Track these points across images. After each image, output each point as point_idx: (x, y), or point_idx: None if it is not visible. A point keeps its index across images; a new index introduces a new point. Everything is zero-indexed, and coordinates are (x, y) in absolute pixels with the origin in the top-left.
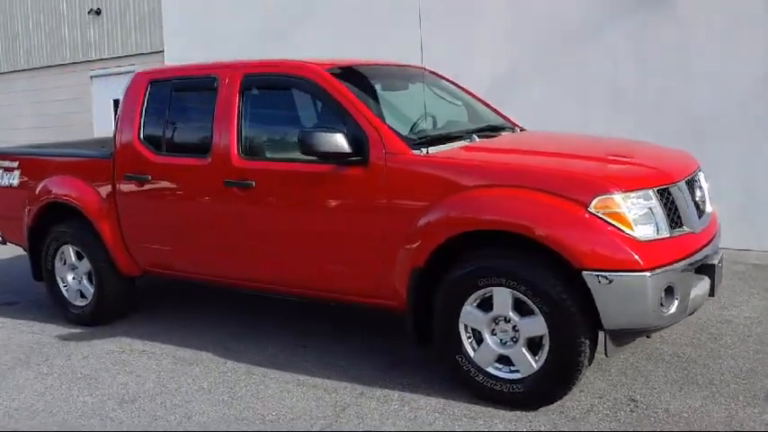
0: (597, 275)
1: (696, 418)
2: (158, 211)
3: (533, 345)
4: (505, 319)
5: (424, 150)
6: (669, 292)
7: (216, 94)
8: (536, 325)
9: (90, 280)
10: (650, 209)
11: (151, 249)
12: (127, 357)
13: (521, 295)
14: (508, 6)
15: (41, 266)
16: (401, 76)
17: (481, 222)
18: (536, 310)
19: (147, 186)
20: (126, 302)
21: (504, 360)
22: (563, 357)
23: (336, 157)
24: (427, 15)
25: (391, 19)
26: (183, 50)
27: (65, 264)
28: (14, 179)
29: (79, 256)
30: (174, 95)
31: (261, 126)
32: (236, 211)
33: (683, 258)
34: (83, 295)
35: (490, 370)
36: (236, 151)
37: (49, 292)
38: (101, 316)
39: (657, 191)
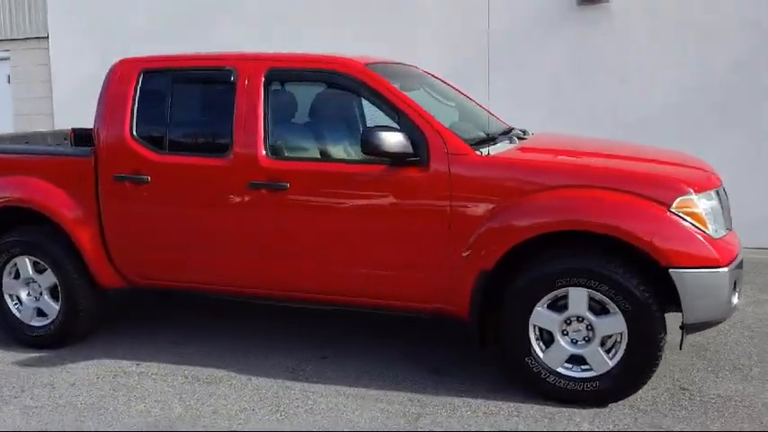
0: (684, 273)
1: (747, 400)
2: (160, 217)
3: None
4: (578, 318)
5: (485, 151)
6: (734, 286)
7: (234, 88)
8: (614, 324)
9: (53, 296)
10: (712, 209)
11: (146, 259)
12: (127, 381)
13: (599, 295)
14: (451, 11)
15: None
16: (410, 75)
17: (567, 223)
18: (614, 309)
19: (145, 189)
20: (98, 319)
21: (573, 359)
22: (641, 354)
23: (397, 158)
24: (370, 13)
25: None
26: (74, 38)
27: (17, 278)
28: None
29: (39, 269)
30: (176, 87)
31: (293, 124)
32: (265, 214)
33: (738, 254)
34: (41, 313)
35: (560, 370)
36: (263, 151)
37: None
38: (67, 336)
39: (716, 192)
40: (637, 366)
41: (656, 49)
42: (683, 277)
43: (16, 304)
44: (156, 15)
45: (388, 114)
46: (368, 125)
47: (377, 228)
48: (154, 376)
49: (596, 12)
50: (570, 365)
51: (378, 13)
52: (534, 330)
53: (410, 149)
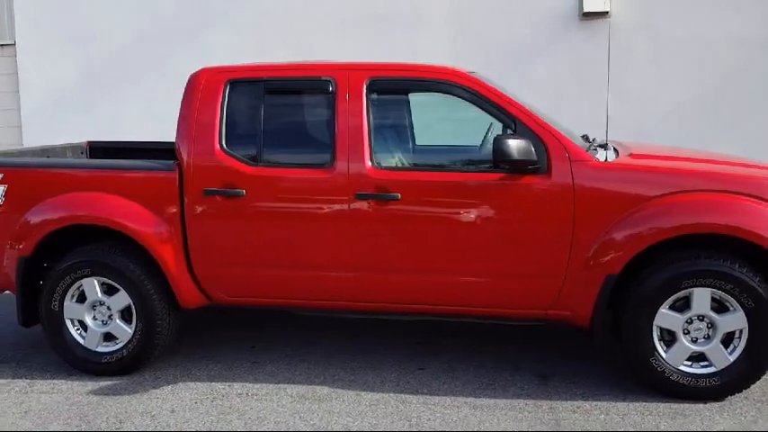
0: None
1: None
2: (257, 231)
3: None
4: (699, 317)
5: (602, 157)
6: None
7: (333, 98)
8: (736, 321)
9: (124, 318)
10: None
11: (236, 275)
12: (230, 403)
13: (720, 293)
14: (454, 22)
15: (37, 309)
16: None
17: (693, 226)
18: (735, 306)
19: (240, 203)
20: (174, 340)
21: (693, 357)
22: (761, 348)
23: (520, 166)
24: (371, 24)
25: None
26: (45, 45)
27: (81, 302)
28: None
29: (108, 291)
30: (268, 98)
31: (399, 133)
32: (373, 226)
33: None
34: (109, 338)
35: (682, 368)
36: (369, 161)
37: (50, 339)
38: (142, 361)
39: None
40: (756, 360)
41: (653, 60)
42: None
43: (78, 330)
44: (133, 23)
45: (503, 122)
46: (496, 134)
47: (496, 237)
48: (256, 397)
49: (597, 25)
50: (690, 363)
51: (378, 22)
52: (657, 331)
53: (534, 157)
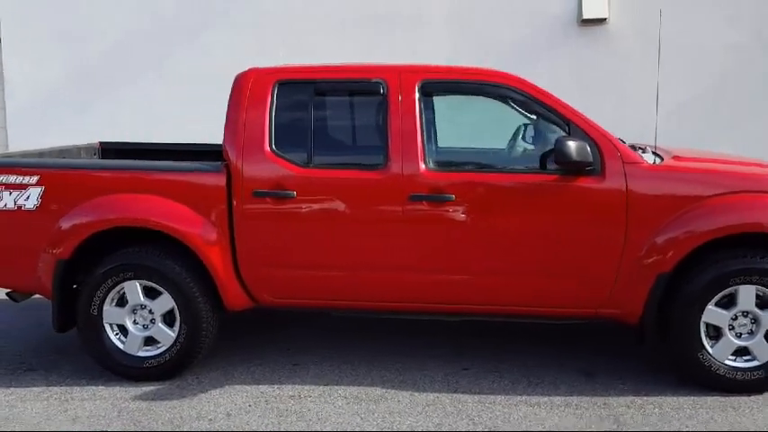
0: None
1: None
2: (307, 233)
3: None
4: (744, 313)
5: (650, 160)
6: None
7: (385, 100)
8: None
9: (166, 322)
10: None
11: (284, 277)
12: (285, 406)
13: (765, 290)
14: (455, 25)
15: (70, 313)
16: None
17: (743, 226)
18: None
19: (290, 204)
20: (215, 343)
21: (736, 351)
22: None
23: (577, 167)
24: (371, 24)
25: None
26: (32, 43)
27: (121, 305)
28: (28, 199)
29: (151, 294)
30: (318, 99)
31: (451, 135)
32: (427, 226)
33: None
34: (149, 342)
35: (727, 362)
36: (423, 163)
37: (88, 344)
38: (185, 365)
39: None
40: None
41: (650, 66)
42: None
43: (118, 334)
44: (129, 21)
45: (556, 124)
46: (558, 136)
47: (549, 237)
48: (309, 399)
49: (596, 31)
50: (734, 357)
51: (378, 22)
52: (703, 327)
53: (590, 158)
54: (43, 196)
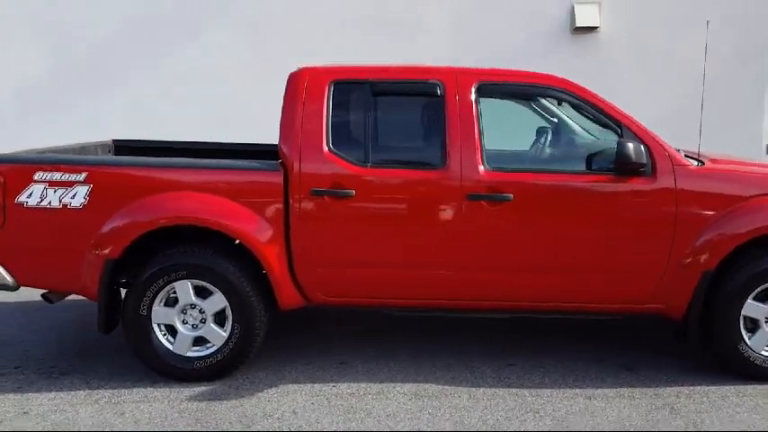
0: None
1: None
2: (364, 231)
3: None
4: None
5: (695, 163)
6: None
7: (442, 101)
8: None
9: (217, 322)
10: None
11: (339, 275)
12: (348, 403)
13: None
14: (451, 30)
15: (119, 314)
16: None
17: None
18: None
19: (348, 203)
20: (263, 343)
21: None
22: None
23: (635, 168)
24: (371, 25)
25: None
26: (11, 38)
27: (170, 305)
28: (75, 197)
29: (201, 293)
30: (374, 99)
31: (506, 136)
32: (485, 225)
33: None
34: (198, 343)
35: (764, 353)
36: (481, 163)
37: (136, 345)
38: (236, 364)
39: None
40: None
41: (639, 72)
42: None
43: (165, 335)
44: (118, 17)
45: (608, 127)
46: (619, 139)
47: (603, 236)
48: (370, 396)
49: (587, 39)
50: None
51: (379, 24)
52: (743, 320)
53: (645, 160)
54: (91, 194)
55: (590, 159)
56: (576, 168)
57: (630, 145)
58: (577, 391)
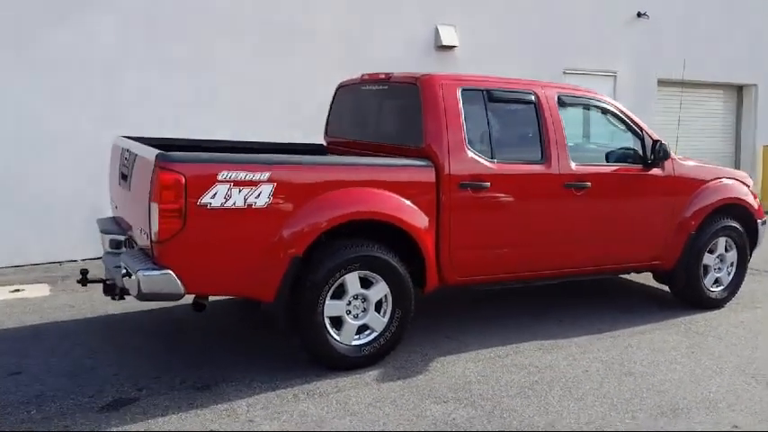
0: None
1: None
2: (494, 217)
3: None
4: (720, 257)
5: (677, 157)
6: None
7: (536, 108)
8: None
9: (377, 310)
10: None
11: (472, 257)
12: (509, 361)
13: (730, 241)
14: (337, 41)
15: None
16: None
17: (724, 200)
18: None
19: (484, 193)
20: None
21: (715, 281)
22: None
23: (663, 160)
24: (269, 30)
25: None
26: None
27: (338, 298)
28: (259, 197)
29: (365, 284)
30: (488, 105)
31: (578, 136)
32: (573, 207)
33: None
34: (362, 330)
35: (713, 288)
36: (568, 159)
37: (308, 340)
38: (391, 349)
39: None
40: None
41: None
42: None
43: (333, 327)
44: None
45: (632, 131)
46: (660, 141)
47: (641, 212)
48: (509, 357)
49: (447, 55)
50: (715, 287)
51: (277, 32)
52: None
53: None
54: (274, 193)
55: (625, 155)
56: (623, 162)
57: (666, 144)
58: (624, 337)
